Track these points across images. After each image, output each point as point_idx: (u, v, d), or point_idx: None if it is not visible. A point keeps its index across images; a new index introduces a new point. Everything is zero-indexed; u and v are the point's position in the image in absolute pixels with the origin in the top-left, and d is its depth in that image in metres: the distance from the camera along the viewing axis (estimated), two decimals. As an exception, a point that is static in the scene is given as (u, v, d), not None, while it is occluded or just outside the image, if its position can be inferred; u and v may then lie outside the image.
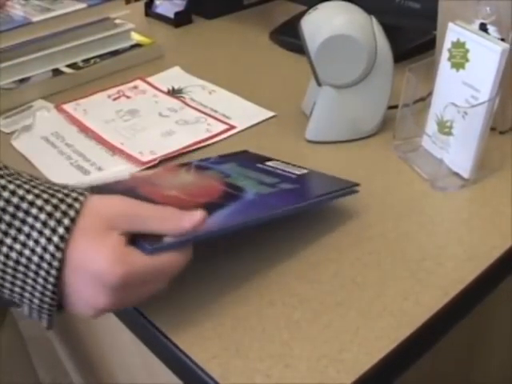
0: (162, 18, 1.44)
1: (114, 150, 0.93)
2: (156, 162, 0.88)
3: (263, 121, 0.99)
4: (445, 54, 0.82)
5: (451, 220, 0.77)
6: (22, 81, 1.12)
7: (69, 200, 0.56)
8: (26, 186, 0.56)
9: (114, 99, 1.08)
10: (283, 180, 0.76)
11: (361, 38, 0.86)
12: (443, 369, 0.77)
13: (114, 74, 1.18)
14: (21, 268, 0.55)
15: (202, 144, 0.93)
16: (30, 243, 0.54)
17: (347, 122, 0.90)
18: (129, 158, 0.91)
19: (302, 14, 0.92)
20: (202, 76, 1.14)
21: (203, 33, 1.38)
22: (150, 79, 1.15)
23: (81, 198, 0.57)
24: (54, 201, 0.56)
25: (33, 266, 0.55)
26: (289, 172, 0.80)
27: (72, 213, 0.56)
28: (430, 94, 0.85)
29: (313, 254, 0.71)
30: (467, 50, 0.78)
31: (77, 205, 0.56)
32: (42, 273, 0.55)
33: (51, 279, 0.55)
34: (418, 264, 0.69)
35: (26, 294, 0.56)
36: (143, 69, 1.19)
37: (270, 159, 0.85)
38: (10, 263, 0.54)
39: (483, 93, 0.77)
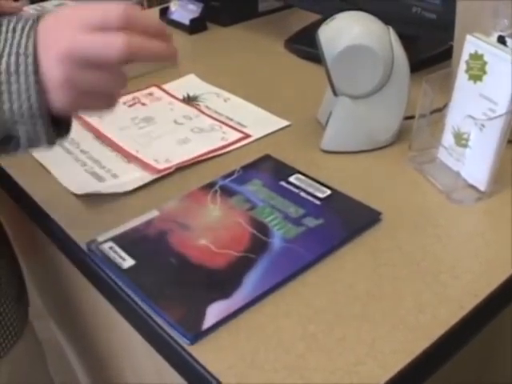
0: (176, 24, 1.44)
1: (129, 157, 0.93)
2: (171, 169, 0.89)
3: (278, 130, 0.99)
4: (462, 66, 0.81)
5: (467, 233, 0.76)
6: (37, 86, 1.12)
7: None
8: None
9: (130, 106, 1.09)
10: (308, 211, 0.78)
11: (378, 48, 0.86)
12: (457, 382, 0.77)
13: (129, 81, 1.17)
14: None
15: (218, 152, 0.93)
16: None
17: (363, 132, 0.90)
18: (144, 165, 0.91)
19: (316, 23, 0.92)
20: (217, 83, 1.15)
21: (218, 40, 1.39)
22: (165, 86, 1.15)
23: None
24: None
25: (12, 58, 0.58)
26: (312, 195, 0.81)
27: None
28: (446, 105, 0.85)
29: (328, 265, 0.71)
30: (485, 63, 0.78)
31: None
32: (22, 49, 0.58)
33: (30, 45, 0.58)
34: (434, 277, 0.69)
35: (14, 96, 0.58)
36: (158, 76, 1.19)
37: (292, 172, 0.86)
38: None
39: (501, 105, 0.76)
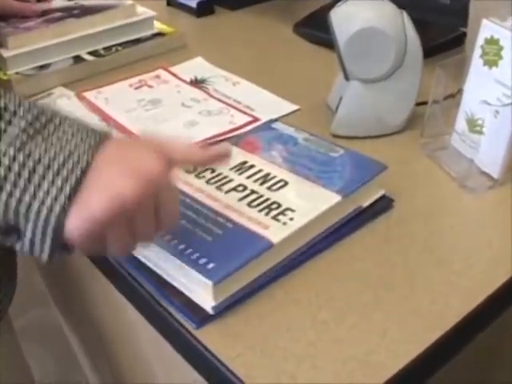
0: (184, 7, 1.42)
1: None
2: (179, 153, 0.87)
3: (287, 114, 0.97)
4: (477, 51, 0.80)
5: (480, 221, 0.75)
6: (42, 67, 1.11)
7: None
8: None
9: (136, 88, 1.07)
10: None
11: (391, 31, 0.84)
12: (467, 373, 0.76)
13: (135, 63, 1.16)
14: (40, 168, 0.51)
15: (226, 136, 0.91)
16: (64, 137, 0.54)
17: (374, 117, 0.89)
18: (151, 148, 0.89)
19: (326, 7, 0.90)
20: (225, 67, 1.13)
21: (226, 24, 1.37)
22: (172, 69, 1.13)
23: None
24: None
25: (56, 165, 0.52)
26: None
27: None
28: (459, 91, 0.83)
29: (340, 253, 0.70)
30: (501, 48, 0.77)
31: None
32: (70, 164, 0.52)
33: (78, 172, 0.52)
34: (447, 265, 0.68)
35: (35, 204, 0.51)
36: (165, 58, 1.18)
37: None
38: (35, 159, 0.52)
39: (516, 91, 0.75)
